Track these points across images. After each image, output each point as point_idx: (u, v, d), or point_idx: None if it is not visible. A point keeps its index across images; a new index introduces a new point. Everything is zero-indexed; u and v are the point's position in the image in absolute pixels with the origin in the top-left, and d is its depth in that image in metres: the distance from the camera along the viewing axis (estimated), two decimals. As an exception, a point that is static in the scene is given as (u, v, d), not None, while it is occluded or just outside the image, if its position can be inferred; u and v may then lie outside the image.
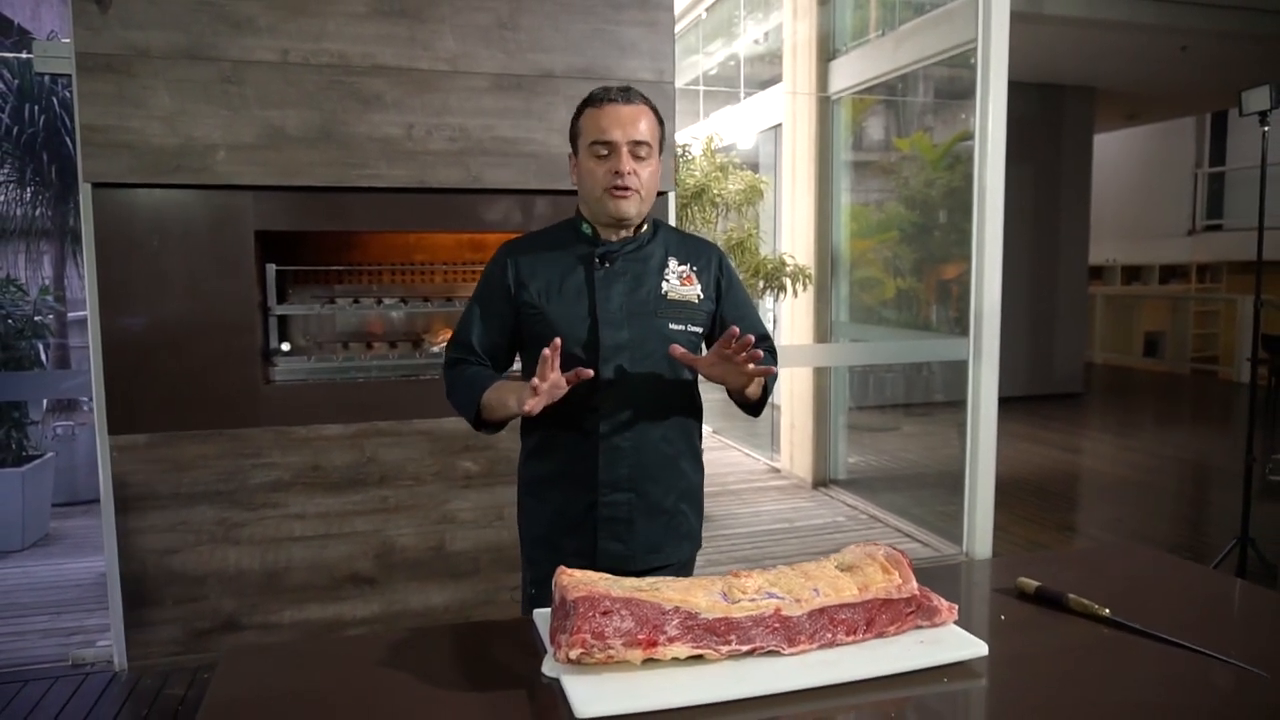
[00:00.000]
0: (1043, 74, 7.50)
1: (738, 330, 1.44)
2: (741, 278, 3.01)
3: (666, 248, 1.72)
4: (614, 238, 1.67)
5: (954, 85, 4.92)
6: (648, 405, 1.64)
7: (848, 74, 5.12)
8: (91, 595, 3.64)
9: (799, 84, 5.19)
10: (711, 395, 1.93)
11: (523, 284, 1.67)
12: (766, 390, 1.69)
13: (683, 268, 1.71)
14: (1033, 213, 7.78)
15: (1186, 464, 6.11)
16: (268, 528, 3.00)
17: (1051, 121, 8.15)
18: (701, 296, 1.71)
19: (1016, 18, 3.87)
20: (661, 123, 1.68)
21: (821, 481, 5.40)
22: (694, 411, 1.75)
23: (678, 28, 3.30)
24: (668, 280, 1.68)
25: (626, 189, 1.59)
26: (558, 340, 1.46)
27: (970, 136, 4.81)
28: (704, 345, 1.74)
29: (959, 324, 4.94)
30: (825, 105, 5.24)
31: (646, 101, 1.64)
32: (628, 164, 1.59)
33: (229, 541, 2.97)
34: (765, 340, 1.77)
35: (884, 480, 5.45)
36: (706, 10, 6.52)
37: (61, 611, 3.52)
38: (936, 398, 5.69)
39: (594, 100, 1.63)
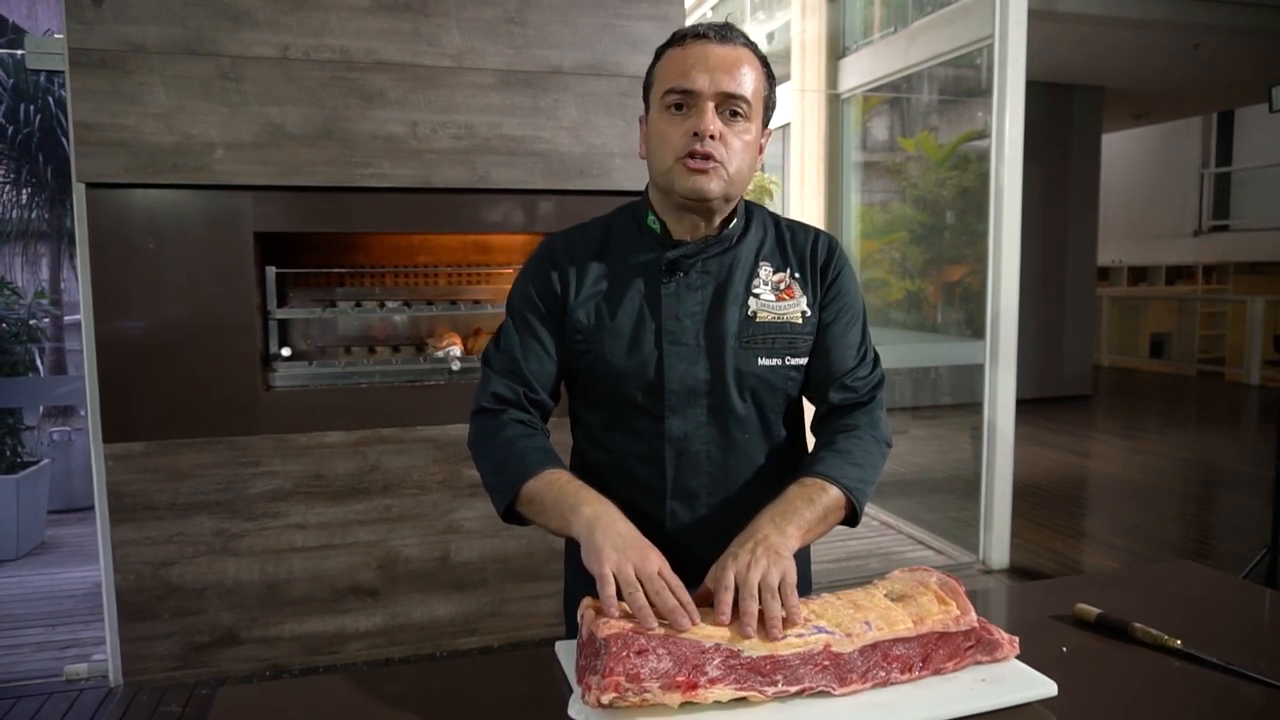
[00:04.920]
0: (1051, 73, 7.41)
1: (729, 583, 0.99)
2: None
3: (759, 246, 1.25)
4: (690, 236, 1.22)
5: (969, 83, 4.83)
6: (733, 473, 1.21)
7: (858, 72, 5.03)
8: (87, 606, 3.54)
9: (808, 82, 5.10)
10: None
11: (571, 297, 1.23)
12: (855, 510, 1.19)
13: (779, 275, 1.23)
14: (1041, 213, 7.69)
15: (1199, 467, 6.03)
16: (268, 538, 2.91)
17: (1060, 121, 8.06)
18: (807, 313, 1.23)
19: (1029, 15, 3.79)
20: (770, 78, 1.21)
21: (831, 487, 5.30)
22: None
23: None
24: (757, 294, 1.22)
25: (708, 158, 1.14)
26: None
27: (978, 135, 4.73)
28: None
29: (969, 326, 4.86)
30: (835, 104, 5.16)
31: (750, 46, 1.19)
32: (712, 123, 1.13)
33: (228, 553, 2.88)
34: (854, 379, 1.25)
35: (894, 485, 5.36)
36: (711, 9, 6.43)
37: (57, 624, 3.43)
38: (945, 400, 5.61)
39: (677, 38, 1.18)
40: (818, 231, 1.30)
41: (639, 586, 0.98)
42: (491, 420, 1.24)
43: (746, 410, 1.22)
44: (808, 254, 1.26)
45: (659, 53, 1.21)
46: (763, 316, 1.21)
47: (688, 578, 1.16)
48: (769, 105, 1.21)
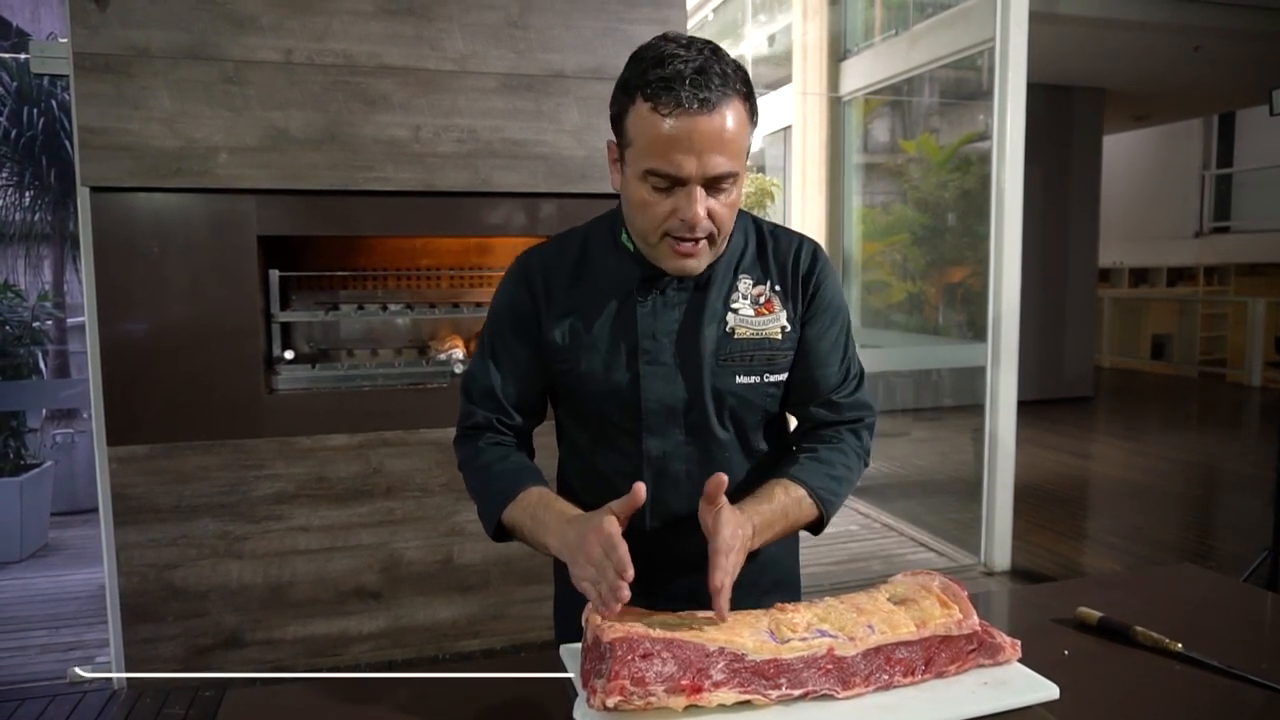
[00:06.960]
0: (1052, 75, 7.42)
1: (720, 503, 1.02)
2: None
3: (739, 258, 1.20)
4: None
5: (970, 85, 4.84)
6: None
7: (860, 74, 5.04)
8: (91, 608, 3.55)
9: (809, 85, 5.12)
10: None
11: (547, 315, 1.19)
12: (822, 517, 1.18)
13: (759, 289, 1.18)
14: (1041, 215, 7.70)
15: (1200, 468, 6.03)
16: (271, 541, 2.92)
17: (1061, 123, 8.06)
18: (787, 328, 1.18)
19: (1030, 18, 3.79)
20: (753, 109, 1.09)
21: (833, 488, 5.30)
22: None
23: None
24: (736, 310, 1.17)
25: (695, 241, 1.09)
26: (639, 490, 1.00)
27: (979, 137, 4.73)
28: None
29: (971, 328, 4.86)
30: (836, 106, 5.17)
31: (734, 90, 1.05)
32: (701, 207, 1.05)
33: (231, 555, 2.88)
34: (841, 395, 1.22)
35: (895, 487, 5.36)
36: (713, 11, 6.44)
37: (60, 625, 3.44)
38: (946, 402, 5.61)
39: (653, 93, 1.03)
40: (800, 238, 1.24)
41: (604, 580, 0.99)
42: (470, 445, 1.25)
43: (725, 429, 1.19)
44: (789, 264, 1.20)
45: (630, 90, 1.07)
46: (741, 333, 1.16)
47: (669, 592, 1.20)
48: (752, 133, 1.12)
